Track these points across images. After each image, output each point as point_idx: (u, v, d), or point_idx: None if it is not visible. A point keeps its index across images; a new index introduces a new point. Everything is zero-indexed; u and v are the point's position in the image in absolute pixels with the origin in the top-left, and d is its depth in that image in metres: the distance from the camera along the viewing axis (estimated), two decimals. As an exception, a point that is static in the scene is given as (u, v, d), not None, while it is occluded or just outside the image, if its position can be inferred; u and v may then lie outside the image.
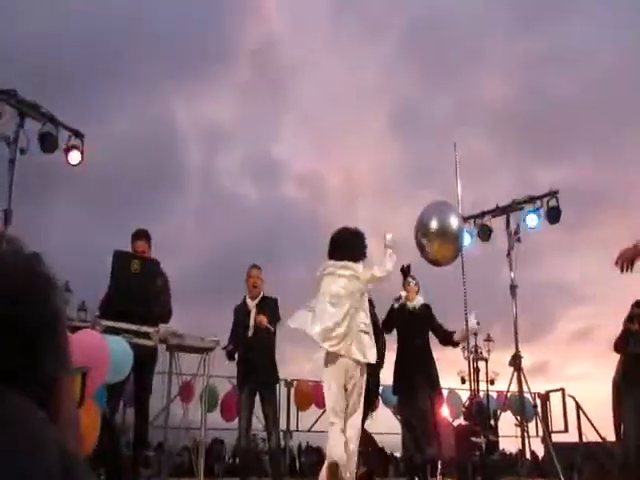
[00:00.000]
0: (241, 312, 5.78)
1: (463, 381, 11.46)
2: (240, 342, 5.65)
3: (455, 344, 6.03)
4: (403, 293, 5.96)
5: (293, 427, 7.42)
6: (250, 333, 5.62)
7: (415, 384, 5.71)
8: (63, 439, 0.44)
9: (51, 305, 0.52)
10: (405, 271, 5.92)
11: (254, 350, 5.61)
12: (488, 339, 15.02)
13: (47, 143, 6.38)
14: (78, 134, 6.73)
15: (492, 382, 12.11)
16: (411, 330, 5.86)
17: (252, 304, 5.76)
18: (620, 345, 6.30)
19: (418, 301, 6.00)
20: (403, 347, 5.92)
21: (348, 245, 4.55)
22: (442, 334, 5.99)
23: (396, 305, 5.95)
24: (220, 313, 6.00)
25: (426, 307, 6.06)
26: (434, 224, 4.86)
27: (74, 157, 6.55)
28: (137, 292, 4.73)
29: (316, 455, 9.17)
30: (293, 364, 6.75)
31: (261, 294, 5.81)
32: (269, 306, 5.79)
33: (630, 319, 6.21)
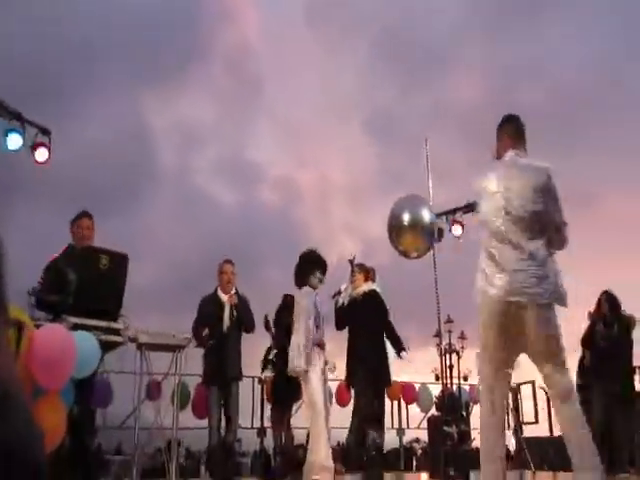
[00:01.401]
0: (213, 304, 5.73)
1: (437, 378, 11.53)
2: (214, 335, 5.58)
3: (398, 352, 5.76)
4: (343, 286, 5.81)
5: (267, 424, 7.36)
6: (225, 328, 5.60)
7: (364, 380, 5.55)
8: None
9: None
10: (351, 263, 5.82)
11: (227, 345, 5.60)
12: (462, 337, 15.17)
13: (13, 140, 6.27)
14: (45, 131, 6.61)
15: (465, 378, 12.24)
16: (356, 319, 5.65)
17: (226, 298, 5.75)
18: (586, 340, 6.63)
19: (363, 288, 5.80)
20: (351, 338, 5.73)
21: None
22: (389, 330, 5.79)
23: (340, 300, 5.78)
24: (192, 313, 5.91)
25: (372, 293, 5.80)
26: (406, 216, 4.88)
27: (41, 154, 6.44)
28: (107, 290, 4.58)
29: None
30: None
31: (234, 290, 5.82)
32: (243, 305, 5.80)
33: (589, 315, 6.58)
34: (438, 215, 6.97)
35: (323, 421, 5.17)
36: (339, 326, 5.76)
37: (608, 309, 6.54)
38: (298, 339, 5.40)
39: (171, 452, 5.73)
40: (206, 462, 8.51)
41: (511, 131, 3.33)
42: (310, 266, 5.66)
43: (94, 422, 4.77)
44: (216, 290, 5.84)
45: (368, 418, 5.41)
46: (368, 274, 5.89)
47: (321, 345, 5.56)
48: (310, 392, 5.33)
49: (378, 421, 5.50)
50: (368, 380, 5.50)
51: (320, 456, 5.08)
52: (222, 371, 5.53)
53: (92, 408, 4.72)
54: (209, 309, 5.69)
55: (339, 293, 5.82)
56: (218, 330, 5.58)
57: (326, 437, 5.14)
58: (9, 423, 0.43)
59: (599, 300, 6.66)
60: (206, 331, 5.56)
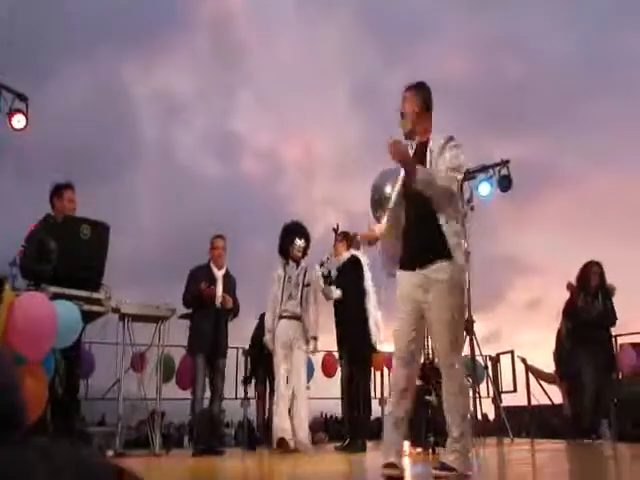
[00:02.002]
0: (206, 277, 5.71)
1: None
2: (206, 308, 5.61)
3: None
4: (325, 257, 5.79)
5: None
6: (218, 303, 5.63)
7: (352, 351, 5.57)
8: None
9: None
10: (335, 232, 5.83)
11: (219, 320, 5.64)
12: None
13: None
14: (22, 97, 6.45)
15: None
16: (341, 288, 5.62)
17: (219, 274, 5.77)
18: (568, 311, 6.63)
19: (345, 256, 5.77)
20: (337, 308, 5.71)
21: None
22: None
23: (325, 271, 5.74)
24: (176, 288, 5.88)
25: (352, 260, 5.75)
26: (389, 189, 4.86)
27: (18, 121, 6.28)
28: (88, 259, 4.52)
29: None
30: (247, 331, 6.77)
31: (225, 266, 5.86)
32: (232, 287, 5.85)
33: (569, 287, 6.55)
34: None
35: (279, 396, 5.35)
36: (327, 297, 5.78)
37: (598, 281, 6.45)
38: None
39: (154, 423, 5.75)
40: (189, 432, 8.56)
41: (430, 101, 3.07)
42: (290, 235, 5.65)
43: (77, 393, 4.75)
44: (209, 263, 5.84)
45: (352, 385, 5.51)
46: (350, 242, 5.87)
47: (296, 317, 5.57)
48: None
49: (364, 389, 5.60)
50: (354, 349, 5.53)
51: (276, 423, 5.31)
52: (212, 343, 5.55)
53: (76, 378, 4.68)
54: (202, 279, 5.66)
55: (322, 265, 5.80)
56: (213, 306, 5.62)
57: (282, 410, 5.31)
58: (4, 391, 0.41)
59: (586, 272, 6.50)
60: (204, 283, 5.56)
